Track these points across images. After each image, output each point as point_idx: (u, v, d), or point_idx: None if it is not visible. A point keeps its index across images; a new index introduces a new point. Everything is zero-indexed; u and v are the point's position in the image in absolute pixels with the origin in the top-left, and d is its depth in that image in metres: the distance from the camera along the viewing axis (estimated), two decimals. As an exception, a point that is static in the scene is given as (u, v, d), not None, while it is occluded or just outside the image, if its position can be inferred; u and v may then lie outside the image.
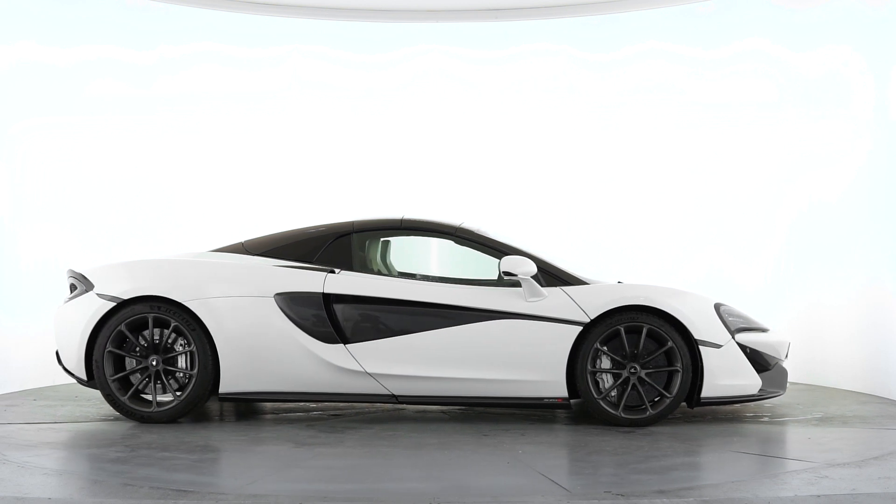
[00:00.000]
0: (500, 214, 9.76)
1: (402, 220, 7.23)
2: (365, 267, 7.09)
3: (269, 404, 7.73)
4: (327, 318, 6.79)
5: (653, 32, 9.82)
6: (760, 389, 6.84)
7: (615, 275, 7.85)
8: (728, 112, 9.47)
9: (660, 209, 9.82)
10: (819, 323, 8.75)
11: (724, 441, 6.26)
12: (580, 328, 6.67)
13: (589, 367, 6.67)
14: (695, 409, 7.06)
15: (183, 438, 6.28)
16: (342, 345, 6.79)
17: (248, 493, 4.85)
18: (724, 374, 6.71)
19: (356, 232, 7.13)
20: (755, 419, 7.02)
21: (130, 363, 6.90)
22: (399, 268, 7.78)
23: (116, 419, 6.95)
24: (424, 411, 7.39)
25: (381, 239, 7.43)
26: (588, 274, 7.28)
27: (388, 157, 10.23)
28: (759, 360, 6.87)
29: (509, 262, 6.74)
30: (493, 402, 6.82)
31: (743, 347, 6.79)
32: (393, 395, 6.82)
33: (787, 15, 9.04)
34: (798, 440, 6.33)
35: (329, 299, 6.83)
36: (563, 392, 6.70)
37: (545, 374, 6.69)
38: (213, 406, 7.70)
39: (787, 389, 7.14)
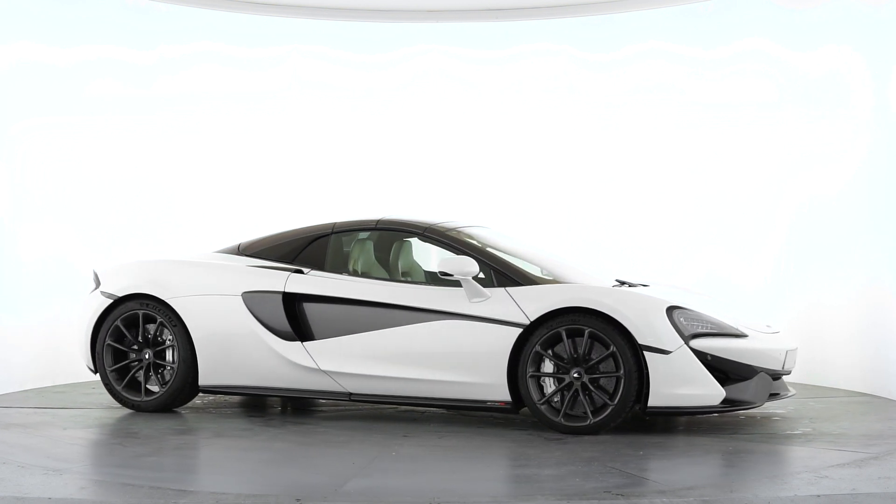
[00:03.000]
0: (501, 214, 9.75)
1: (377, 221, 7.31)
2: (342, 267, 7.14)
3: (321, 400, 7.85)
4: (285, 316, 6.97)
5: (653, 32, 9.81)
6: (725, 400, 6.28)
7: (615, 275, 7.84)
8: (728, 112, 9.47)
9: (660, 209, 9.82)
10: (819, 323, 8.74)
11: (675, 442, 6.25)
12: (520, 330, 6.43)
13: (530, 370, 6.40)
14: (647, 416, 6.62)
15: (126, 426, 6.74)
16: (299, 342, 6.95)
17: (248, 493, 4.85)
18: (674, 381, 6.21)
19: (335, 233, 7.27)
20: (753, 419, 7.02)
21: (132, 356, 7.31)
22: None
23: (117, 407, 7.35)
24: (409, 411, 7.39)
25: (404, 240, 7.38)
26: (585, 273, 7.28)
27: (389, 157, 10.23)
28: (729, 369, 6.37)
29: (446, 263, 6.64)
30: (440, 404, 6.77)
31: (701, 354, 6.27)
32: (349, 394, 6.90)
33: (787, 15, 9.04)
34: (798, 440, 6.32)
35: (290, 298, 7.01)
36: (505, 396, 6.49)
37: (486, 377, 6.51)
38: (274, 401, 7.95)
39: (764, 401, 6.54)
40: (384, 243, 7.37)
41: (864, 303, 8.33)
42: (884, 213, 8.13)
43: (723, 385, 6.29)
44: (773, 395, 6.73)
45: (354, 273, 7.13)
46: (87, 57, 9.12)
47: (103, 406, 7.51)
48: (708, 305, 6.92)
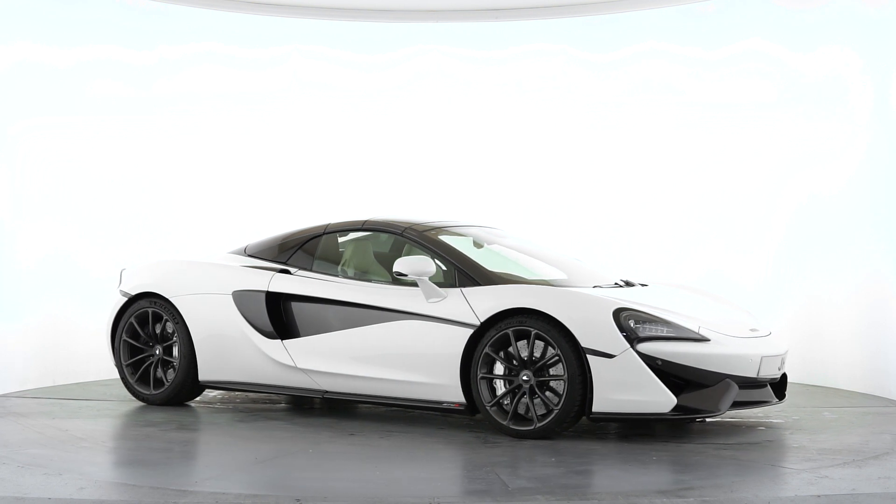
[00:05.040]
0: (501, 213, 9.76)
1: (364, 222, 7.36)
2: (332, 267, 7.23)
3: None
4: (267, 315, 7.14)
5: (653, 32, 9.81)
6: (677, 407, 5.98)
7: (619, 274, 7.83)
8: (728, 112, 9.47)
9: (659, 208, 9.82)
10: (819, 322, 8.75)
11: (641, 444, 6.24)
12: (471, 331, 6.32)
13: (481, 372, 6.28)
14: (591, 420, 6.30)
15: (128, 425, 6.96)
16: (279, 340, 7.09)
17: (248, 493, 4.86)
18: (619, 387, 5.97)
19: (327, 234, 7.38)
20: (752, 419, 7.02)
21: (148, 351, 7.62)
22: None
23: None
24: (395, 411, 7.39)
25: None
26: (589, 273, 7.26)
27: (389, 157, 10.23)
28: (688, 376, 6.08)
29: (401, 263, 6.63)
30: (402, 405, 6.74)
31: (650, 359, 6.00)
32: (323, 392, 6.98)
33: (787, 15, 9.05)
34: (797, 440, 6.32)
35: (275, 297, 7.17)
36: (459, 397, 6.40)
37: (441, 378, 6.45)
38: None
39: (724, 410, 6.12)
40: (398, 244, 7.33)
41: (863, 302, 8.33)
42: (883, 212, 8.13)
43: (682, 391, 6.04)
44: (757, 403, 6.47)
45: (345, 273, 7.18)
46: (87, 57, 9.12)
47: (104, 404, 7.54)
48: (695, 305, 6.78)
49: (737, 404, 6.30)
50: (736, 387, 6.23)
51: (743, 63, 9.37)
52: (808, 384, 8.69)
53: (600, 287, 6.97)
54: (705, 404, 6.10)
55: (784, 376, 6.82)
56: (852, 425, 6.86)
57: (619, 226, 9.94)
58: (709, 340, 6.24)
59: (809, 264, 8.88)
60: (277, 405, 7.73)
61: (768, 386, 6.61)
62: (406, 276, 6.62)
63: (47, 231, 8.71)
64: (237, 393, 8.13)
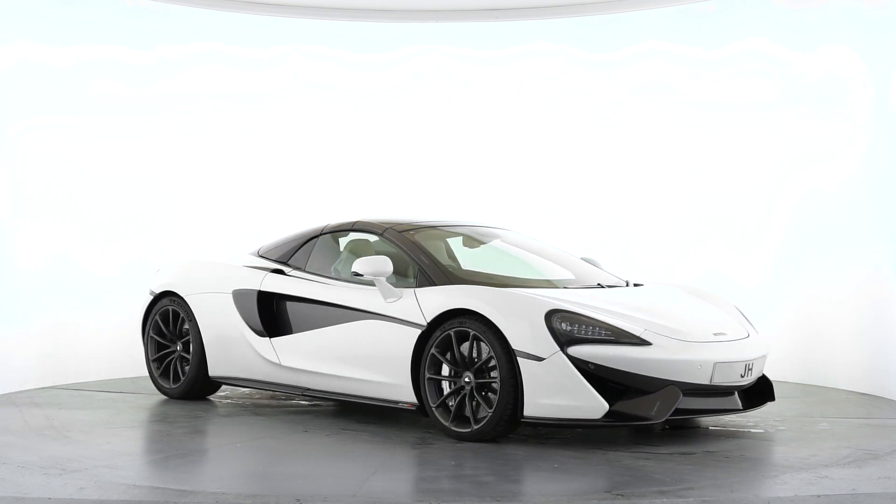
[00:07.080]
0: (501, 213, 9.75)
1: (354, 223, 7.43)
2: (325, 267, 7.29)
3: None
4: (258, 313, 7.33)
5: (653, 32, 9.82)
6: (610, 413, 5.75)
7: (620, 274, 7.82)
8: (728, 112, 9.47)
9: (659, 208, 9.82)
10: (819, 322, 8.75)
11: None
12: (419, 332, 6.30)
13: (429, 373, 6.25)
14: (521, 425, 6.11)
15: (129, 425, 6.94)
16: (268, 338, 7.25)
17: (248, 493, 4.86)
18: (548, 390, 5.80)
19: (324, 234, 7.50)
20: (752, 419, 7.01)
21: (171, 347, 7.89)
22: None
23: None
24: (382, 409, 7.35)
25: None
26: (591, 273, 7.25)
27: (389, 156, 10.24)
28: (627, 381, 5.85)
29: (360, 263, 6.67)
30: (369, 403, 6.73)
31: (582, 363, 5.80)
32: (304, 389, 7.08)
33: (787, 15, 9.05)
34: (797, 440, 6.32)
35: (265, 296, 7.35)
36: (411, 397, 6.37)
37: (394, 377, 6.46)
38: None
39: (662, 419, 5.82)
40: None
41: (863, 301, 8.34)
42: (883, 211, 8.14)
43: (620, 397, 5.82)
44: (716, 412, 6.22)
45: (338, 273, 7.22)
46: (87, 57, 9.12)
47: (106, 403, 7.55)
48: (667, 306, 6.54)
49: (689, 412, 6.07)
50: (679, 393, 5.92)
51: (743, 63, 9.37)
52: (808, 384, 8.69)
53: (568, 288, 6.75)
54: (641, 411, 5.83)
55: (767, 382, 6.59)
56: (852, 425, 6.86)
57: (619, 226, 9.94)
58: (650, 344, 5.95)
59: (809, 264, 8.88)
60: (288, 401, 7.74)
61: (735, 394, 6.30)
62: (362, 275, 6.68)
63: (47, 231, 8.71)
64: (249, 391, 8.24)
